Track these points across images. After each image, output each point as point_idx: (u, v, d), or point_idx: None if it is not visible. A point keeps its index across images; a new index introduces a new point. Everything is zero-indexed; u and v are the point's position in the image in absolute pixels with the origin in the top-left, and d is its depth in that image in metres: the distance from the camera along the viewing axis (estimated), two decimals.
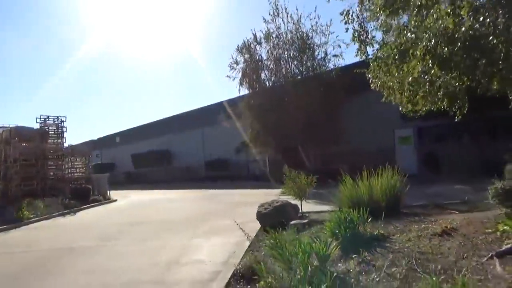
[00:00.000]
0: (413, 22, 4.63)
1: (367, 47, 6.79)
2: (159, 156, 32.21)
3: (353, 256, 4.67)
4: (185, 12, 72.39)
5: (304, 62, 19.43)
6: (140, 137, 35.43)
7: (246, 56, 20.13)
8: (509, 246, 4.10)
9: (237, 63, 20.24)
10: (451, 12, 3.59)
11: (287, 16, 19.38)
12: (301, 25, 19.11)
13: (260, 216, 7.78)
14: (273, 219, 7.58)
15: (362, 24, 6.61)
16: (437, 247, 4.56)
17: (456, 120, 7.86)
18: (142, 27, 79.19)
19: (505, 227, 4.32)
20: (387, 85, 7.18)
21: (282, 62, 20.03)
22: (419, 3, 3.95)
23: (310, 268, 3.95)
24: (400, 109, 15.79)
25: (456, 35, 3.80)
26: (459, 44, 3.85)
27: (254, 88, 20.10)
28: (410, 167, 15.87)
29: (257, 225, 8.19)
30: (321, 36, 19.19)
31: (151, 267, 5.98)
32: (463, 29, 3.59)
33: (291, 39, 19.42)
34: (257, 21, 58.77)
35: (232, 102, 23.63)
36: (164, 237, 8.43)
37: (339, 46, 18.80)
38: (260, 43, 20.15)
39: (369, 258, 4.56)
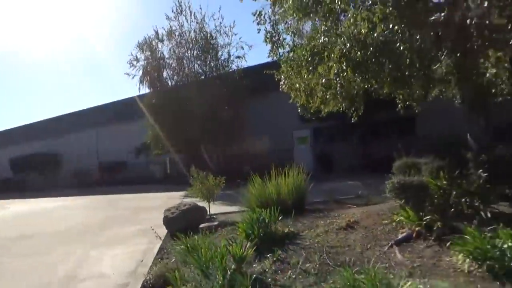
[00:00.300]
0: (325, 26, 4.88)
1: (279, 49, 6.97)
2: (45, 159, 28.74)
3: (268, 255, 4.70)
4: (86, 4, 66.43)
5: (208, 62, 19.32)
6: (21, 139, 31.24)
7: (147, 53, 19.23)
8: (404, 234, 4.55)
9: (137, 60, 19.25)
10: (366, 18, 3.85)
11: (191, 14, 19.07)
12: (205, 24, 18.98)
13: (167, 221, 7.41)
14: (181, 223, 7.28)
15: (274, 26, 6.77)
16: (343, 240, 4.85)
17: (352, 121, 8.51)
18: (34, 21, 70.25)
19: (400, 218, 4.78)
20: (295, 87, 7.46)
21: (185, 61, 19.62)
22: (337, 7, 4.17)
23: (228, 272, 3.85)
24: (299, 110, 16.90)
25: (367, 41, 4.11)
26: (371, 49, 4.17)
27: (155, 87, 19.29)
28: (307, 166, 16.89)
29: (164, 231, 7.79)
30: (224, 37, 19.31)
31: (42, 287, 5.22)
32: (375, 34, 3.89)
33: (195, 38, 19.14)
34: (161, 18, 56.86)
35: (132, 101, 22.39)
36: (58, 250, 7.45)
37: (242, 48, 19.14)
38: (162, 41, 19.45)
39: (283, 256, 4.63)
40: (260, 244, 5.04)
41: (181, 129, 18.13)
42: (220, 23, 19.13)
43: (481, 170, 4.85)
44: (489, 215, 4.23)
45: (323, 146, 19.05)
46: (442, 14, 4.23)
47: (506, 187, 4.63)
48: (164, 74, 19.78)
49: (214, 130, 18.12)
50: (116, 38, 66.71)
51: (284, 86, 8.03)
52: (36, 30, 73.18)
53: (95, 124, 27.18)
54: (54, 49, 65.45)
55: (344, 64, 4.19)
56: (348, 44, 4.05)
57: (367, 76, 4.71)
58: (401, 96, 7.37)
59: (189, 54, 19.62)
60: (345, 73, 4.49)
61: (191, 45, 19.63)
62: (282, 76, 7.65)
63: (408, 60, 4.37)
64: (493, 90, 6.14)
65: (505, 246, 3.26)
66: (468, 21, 3.91)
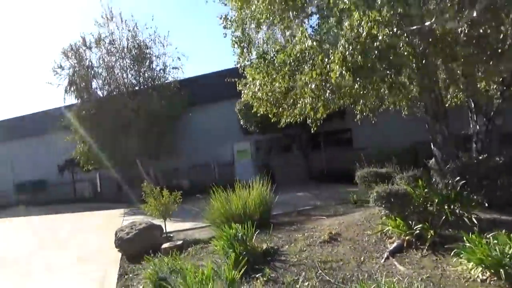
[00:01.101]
0: (315, 29, 4.73)
1: (249, 54, 6.65)
2: None
3: (256, 275, 4.31)
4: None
5: (142, 73, 18.29)
6: None
7: (73, 61, 17.59)
8: (394, 245, 4.48)
9: (62, 68, 17.46)
10: (372, 20, 3.74)
11: (122, 21, 17.92)
12: (138, 33, 17.97)
13: (122, 242, 6.61)
14: (138, 244, 6.55)
15: (244, 30, 6.45)
16: (332, 254, 4.66)
17: (312, 131, 8.40)
18: None
19: (388, 227, 4.72)
20: (257, 95, 7.19)
21: (116, 71, 18.31)
22: (342, 7, 4.02)
23: None
24: (242, 122, 16.70)
25: (370, 45, 4.02)
26: (376, 52, 4.08)
27: (83, 98, 17.67)
28: (249, 178, 16.73)
29: (115, 254, 6.96)
30: (159, 46, 18.49)
31: None
32: (380, 37, 3.81)
33: (128, 47, 18.02)
34: (87, 25, 53.22)
35: (53, 112, 20.38)
36: None
37: (179, 58, 18.46)
38: (90, 48, 17.93)
39: (273, 275, 4.29)
40: (242, 263, 4.63)
41: (115, 142, 16.84)
42: (155, 32, 18.30)
43: (458, 178, 5.01)
44: (475, 221, 4.33)
45: (265, 158, 19.03)
46: (427, 24, 4.32)
47: (481, 193, 4.82)
48: (94, 84, 18.25)
49: (151, 143, 17.16)
50: (37, 44, 61.27)
51: (245, 95, 7.73)
52: None
53: (9, 139, 24.17)
54: None
55: (344, 68, 4.07)
56: (350, 47, 3.92)
57: (363, 81, 4.64)
58: (359, 107, 7.50)
59: (122, 63, 18.40)
60: (343, 77, 4.38)
61: (123, 53, 18.45)
62: (248, 81, 7.33)
63: (413, 64, 4.39)
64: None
65: None
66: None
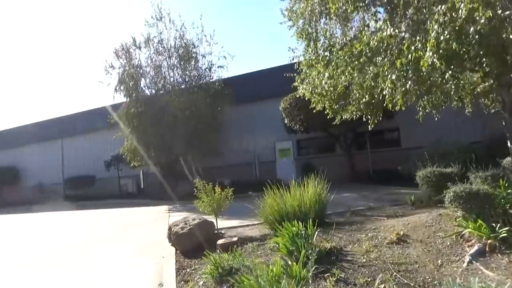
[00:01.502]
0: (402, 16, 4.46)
1: (317, 45, 6.46)
2: (1, 173, 26.26)
3: (324, 275, 4.12)
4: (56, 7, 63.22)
5: (188, 72, 18.57)
6: None
7: (124, 61, 18.17)
8: (476, 248, 4.14)
9: (113, 67, 18.10)
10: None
11: (170, 21, 18.32)
12: (185, 32, 18.28)
13: (177, 237, 6.61)
14: (193, 239, 6.53)
15: (310, 22, 6.27)
16: (405, 256, 4.37)
17: (369, 128, 8.06)
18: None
19: (466, 229, 4.38)
20: (317, 91, 6.97)
21: (163, 70, 18.72)
22: None
23: None
24: (286, 121, 16.47)
25: (468, 29, 3.71)
26: (476, 37, 3.74)
27: (131, 96, 18.19)
28: (290, 178, 16.45)
29: (167, 248, 7.02)
30: (206, 45, 18.73)
31: None
32: (482, 21, 3.47)
33: (175, 46, 18.38)
34: (137, 25, 55.02)
35: (102, 110, 21.19)
36: (40, 280, 6.38)
37: (225, 57, 18.60)
38: (139, 48, 18.47)
39: (342, 276, 4.07)
40: (307, 262, 4.45)
41: (161, 140, 17.20)
42: (202, 31, 18.54)
43: None
44: None
45: (307, 158, 18.75)
46: None
47: None
48: (142, 82, 18.76)
49: (195, 141, 17.36)
50: (89, 44, 64.17)
51: (304, 91, 7.51)
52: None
53: (60, 135, 25.38)
54: (22, 54, 61.68)
55: (436, 55, 3.76)
56: (445, 32, 3.61)
57: (454, 70, 4.32)
58: (422, 104, 7.07)
59: (169, 63, 18.78)
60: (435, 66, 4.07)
61: (170, 53, 18.84)
62: (304, 79, 7.12)
63: None
64: None
65: None
66: None
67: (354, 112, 7.51)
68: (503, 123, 5.89)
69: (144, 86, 18.63)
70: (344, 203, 10.07)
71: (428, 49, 3.73)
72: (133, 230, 10.19)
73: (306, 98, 7.91)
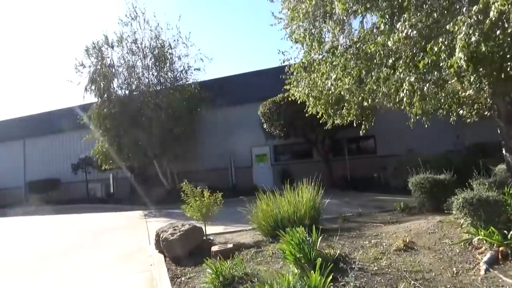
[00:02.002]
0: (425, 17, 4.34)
1: (321, 46, 6.29)
2: None
3: (339, 284, 3.95)
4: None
5: (164, 73, 18.03)
6: None
7: (95, 59, 17.34)
8: (488, 255, 4.11)
9: (83, 66, 17.23)
10: None
11: (144, 21, 17.71)
12: (161, 33, 17.75)
13: (167, 244, 6.25)
14: (183, 246, 6.19)
15: (313, 22, 6.11)
16: (417, 264, 4.28)
17: (361, 133, 7.99)
18: None
19: (475, 236, 4.35)
20: (312, 94, 6.83)
21: (137, 70, 18.05)
22: None
23: None
24: (265, 126, 16.30)
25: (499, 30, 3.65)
26: (509, 39, 3.67)
27: (103, 96, 17.37)
28: (267, 183, 16.31)
29: (153, 256, 6.66)
30: (182, 47, 18.27)
31: None
32: None
33: (150, 46, 17.80)
34: (111, 23, 52.95)
35: (70, 111, 20.23)
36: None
37: (202, 60, 18.20)
38: (112, 47, 17.71)
39: (357, 284, 3.92)
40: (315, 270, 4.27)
41: (135, 142, 16.56)
42: (178, 32, 18.11)
43: None
44: None
45: (284, 164, 18.65)
46: None
47: None
48: (114, 82, 17.98)
49: (170, 144, 16.88)
50: (58, 41, 61.28)
51: (297, 94, 7.36)
52: None
53: (22, 136, 23.89)
54: None
55: (465, 57, 3.67)
56: (476, 33, 3.52)
57: (481, 72, 4.26)
58: (413, 109, 7.09)
59: (143, 63, 18.16)
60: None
61: (145, 53, 18.23)
62: (300, 81, 6.96)
63: None
64: None
65: None
66: None
67: (346, 117, 7.46)
68: (498, 131, 6.01)
69: (117, 86, 17.85)
70: (330, 210, 9.98)
71: (457, 50, 3.66)
72: (111, 236, 9.61)
73: (299, 102, 7.78)
